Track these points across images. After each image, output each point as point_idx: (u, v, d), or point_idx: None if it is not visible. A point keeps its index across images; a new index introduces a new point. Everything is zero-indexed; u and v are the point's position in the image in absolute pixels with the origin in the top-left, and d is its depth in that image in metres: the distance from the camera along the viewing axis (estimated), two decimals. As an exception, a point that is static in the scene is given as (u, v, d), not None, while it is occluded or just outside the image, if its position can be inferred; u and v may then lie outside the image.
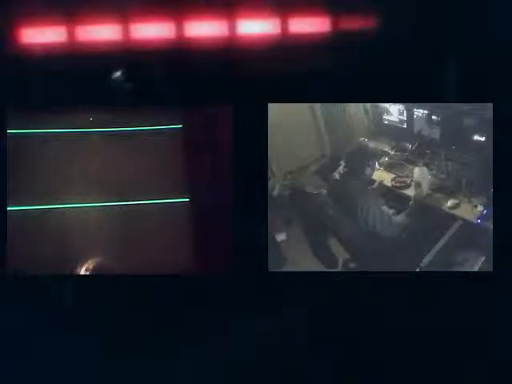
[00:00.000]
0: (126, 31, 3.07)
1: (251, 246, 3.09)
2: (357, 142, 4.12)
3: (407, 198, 4.15)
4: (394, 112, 5.01)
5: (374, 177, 4.71)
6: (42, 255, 3.67)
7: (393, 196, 4.20)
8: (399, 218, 3.76)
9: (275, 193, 4.95)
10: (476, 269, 3.37)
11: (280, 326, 3.09)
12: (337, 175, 4.07)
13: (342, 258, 4.17)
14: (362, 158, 3.80)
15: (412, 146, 4.74)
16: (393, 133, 5.08)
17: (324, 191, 4.21)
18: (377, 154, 4.04)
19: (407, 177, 4.40)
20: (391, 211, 3.81)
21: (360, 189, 3.78)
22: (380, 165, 4.84)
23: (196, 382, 3.10)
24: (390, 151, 4.95)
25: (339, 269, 4.08)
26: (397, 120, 5.00)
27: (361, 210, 3.64)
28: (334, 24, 3.11)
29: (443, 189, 4.09)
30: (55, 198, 3.85)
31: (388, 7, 3.09)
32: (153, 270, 3.36)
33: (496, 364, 3.04)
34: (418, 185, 4.10)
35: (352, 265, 4.01)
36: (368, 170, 3.84)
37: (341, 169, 4.04)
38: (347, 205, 3.80)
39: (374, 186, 4.23)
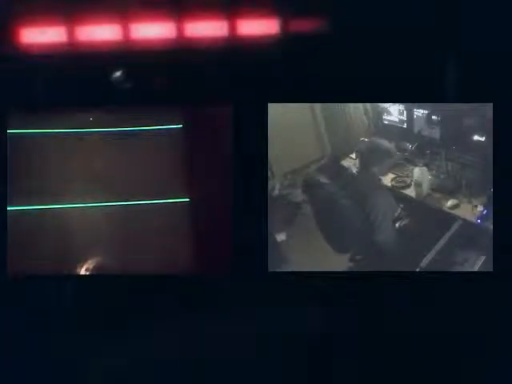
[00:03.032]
0: (125, 31, 3.07)
1: (251, 246, 3.09)
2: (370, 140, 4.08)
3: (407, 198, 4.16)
4: (394, 112, 5.01)
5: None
6: (41, 255, 3.66)
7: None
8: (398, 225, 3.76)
9: (275, 193, 4.96)
10: (476, 269, 3.38)
11: (280, 326, 3.09)
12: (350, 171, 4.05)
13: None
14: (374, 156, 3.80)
15: (412, 146, 4.74)
16: (393, 133, 5.08)
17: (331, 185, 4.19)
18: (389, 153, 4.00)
19: (407, 177, 4.40)
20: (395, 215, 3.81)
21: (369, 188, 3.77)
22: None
23: (196, 383, 3.10)
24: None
25: (349, 256, 4.07)
26: (397, 120, 5.00)
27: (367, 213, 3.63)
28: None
29: (443, 189, 4.09)
30: (55, 198, 3.85)
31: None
32: (153, 270, 3.36)
33: (496, 364, 3.04)
34: (418, 185, 4.11)
35: (357, 258, 4.01)
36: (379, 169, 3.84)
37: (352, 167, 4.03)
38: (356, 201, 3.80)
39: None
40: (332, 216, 3.87)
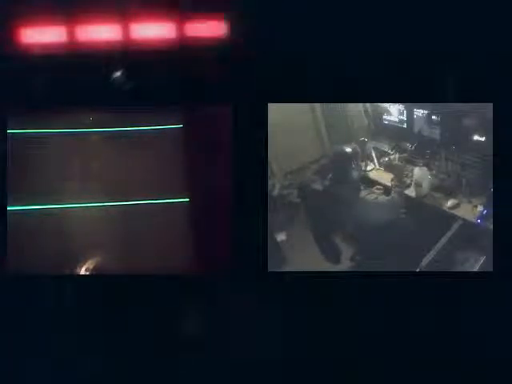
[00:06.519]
0: (125, 31, 3.07)
1: (251, 246, 3.09)
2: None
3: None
4: (394, 112, 5.01)
5: (374, 177, 4.73)
6: (42, 255, 3.66)
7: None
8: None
9: (275, 193, 4.96)
10: (476, 269, 3.38)
11: (280, 325, 3.09)
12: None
13: (345, 253, 4.18)
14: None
15: (412, 146, 4.75)
16: (393, 133, 5.08)
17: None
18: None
19: (407, 177, 4.40)
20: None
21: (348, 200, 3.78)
22: (380, 165, 4.85)
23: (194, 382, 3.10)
24: (389, 151, 4.96)
25: (343, 263, 4.08)
26: (397, 120, 5.00)
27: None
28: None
29: (443, 189, 4.10)
30: (55, 198, 3.85)
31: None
32: (153, 270, 3.36)
33: (496, 364, 3.04)
34: (418, 185, 4.11)
35: (357, 258, 4.02)
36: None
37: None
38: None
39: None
40: (323, 223, 3.89)
